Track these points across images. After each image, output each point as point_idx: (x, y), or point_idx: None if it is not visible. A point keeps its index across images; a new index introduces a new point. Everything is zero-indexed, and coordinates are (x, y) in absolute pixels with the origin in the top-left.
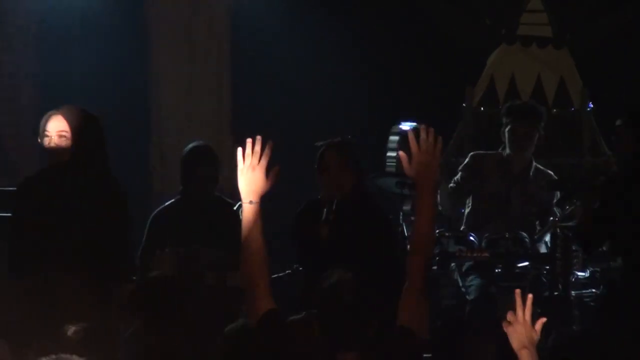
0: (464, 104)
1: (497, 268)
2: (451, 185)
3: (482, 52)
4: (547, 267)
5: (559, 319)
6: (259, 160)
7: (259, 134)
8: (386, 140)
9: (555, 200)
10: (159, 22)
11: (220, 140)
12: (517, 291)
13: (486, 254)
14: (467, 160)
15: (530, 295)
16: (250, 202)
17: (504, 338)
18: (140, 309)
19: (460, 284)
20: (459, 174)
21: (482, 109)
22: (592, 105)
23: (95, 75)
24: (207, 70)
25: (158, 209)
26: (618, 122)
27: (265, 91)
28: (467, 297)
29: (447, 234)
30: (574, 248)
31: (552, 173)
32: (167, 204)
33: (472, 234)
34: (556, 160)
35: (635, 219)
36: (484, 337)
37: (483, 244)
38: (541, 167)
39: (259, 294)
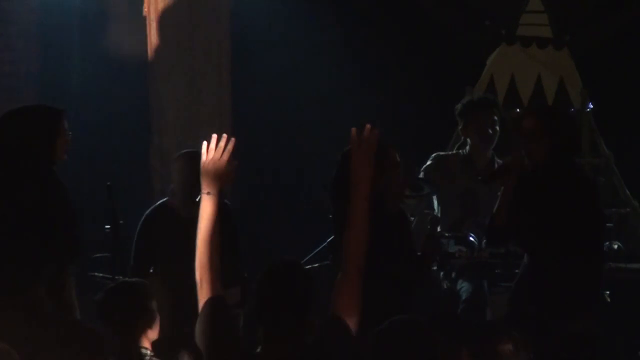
0: None
1: (497, 268)
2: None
3: (482, 52)
4: None
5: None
6: (221, 155)
7: (259, 134)
8: (385, 140)
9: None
10: (159, 22)
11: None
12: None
13: (486, 254)
14: (430, 162)
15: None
16: (208, 193)
17: (499, 337)
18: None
19: (448, 285)
20: (422, 174)
21: None
22: (592, 106)
23: (96, 75)
24: (207, 70)
25: (150, 209)
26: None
27: (265, 91)
28: (460, 296)
29: (447, 235)
30: None
31: None
32: (158, 203)
33: (472, 235)
34: None
35: (537, 215)
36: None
37: (483, 244)
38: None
39: (208, 283)
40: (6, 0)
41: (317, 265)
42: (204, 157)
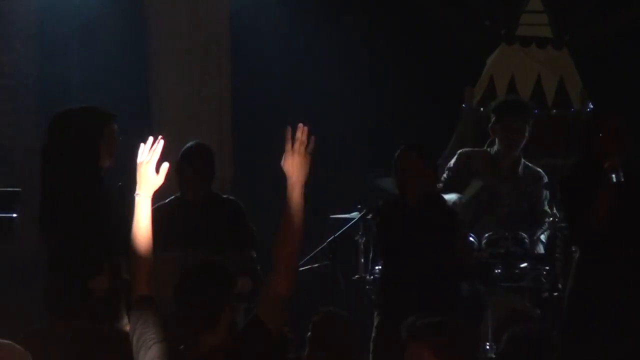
0: (463, 104)
1: (497, 268)
2: (439, 185)
3: (482, 52)
4: (547, 267)
5: (559, 319)
6: (151, 157)
7: (259, 134)
8: (385, 140)
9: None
10: (158, 22)
11: (220, 140)
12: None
13: (486, 254)
14: (454, 159)
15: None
16: (138, 194)
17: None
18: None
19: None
20: (446, 173)
21: (482, 109)
22: (592, 106)
23: (95, 75)
24: (207, 70)
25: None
26: None
27: (265, 91)
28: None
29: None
30: (573, 248)
31: (540, 170)
32: (160, 203)
33: (472, 235)
34: (555, 161)
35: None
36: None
37: (483, 244)
38: (529, 164)
39: (138, 280)
40: (6, 0)
41: (317, 265)
42: (138, 158)
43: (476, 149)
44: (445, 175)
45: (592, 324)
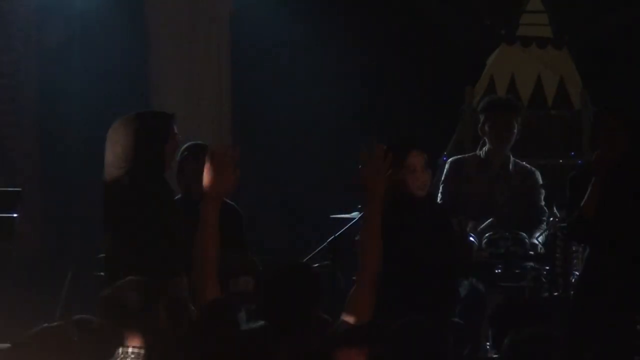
0: (463, 104)
1: (497, 268)
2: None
3: (482, 52)
4: (547, 267)
5: (559, 319)
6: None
7: (259, 134)
8: (385, 140)
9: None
10: (159, 22)
11: (220, 141)
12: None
13: (486, 254)
14: (446, 169)
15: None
16: (212, 198)
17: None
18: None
19: None
20: (442, 186)
21: None
22: (592, 106)
23: (96, 75)
24: (207, 71)
25: None
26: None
27: (265, 92)
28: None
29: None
30: (573, 248)
31: (530, 167)
32: None
33: (472, 235)
34: (555, 161)
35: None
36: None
37: (483, 244)
38: (519, 161)
39: (210, 284)
40: (6, 0)
41: (317, 265)
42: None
43: (466, 155)
44: (441, 188)
45: (596, 314)
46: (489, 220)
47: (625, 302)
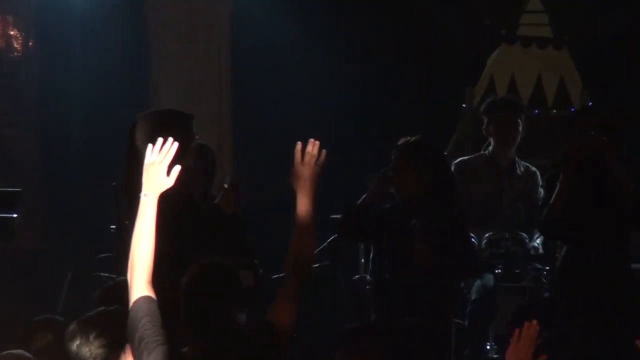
0: (464, 104)
1: (497, 268)
2: None
3: (482, 52)
4: (547, 267)
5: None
6: (164, 158)
7: (259, 134)
8: (385, 140)
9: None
10: (159, 22)
11: (220, 141)
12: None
13: (486, 254)
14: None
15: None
16: (145, 195)
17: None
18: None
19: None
20: None
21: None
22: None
23: (96, 75)
24: (207, 71)
25: None
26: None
27: (265, 92)
28: (469, 296)
29: None
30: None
31: (532, 167)
32: None
33: (472, 235)
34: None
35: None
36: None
37: (483, 244)
38: (522, 162)
39: (139, 280)
40: (6, 0)
41: (317, 265)
42: (147, 158)
43: (471, 155)
44: None
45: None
46: None
47: (603, 299)
